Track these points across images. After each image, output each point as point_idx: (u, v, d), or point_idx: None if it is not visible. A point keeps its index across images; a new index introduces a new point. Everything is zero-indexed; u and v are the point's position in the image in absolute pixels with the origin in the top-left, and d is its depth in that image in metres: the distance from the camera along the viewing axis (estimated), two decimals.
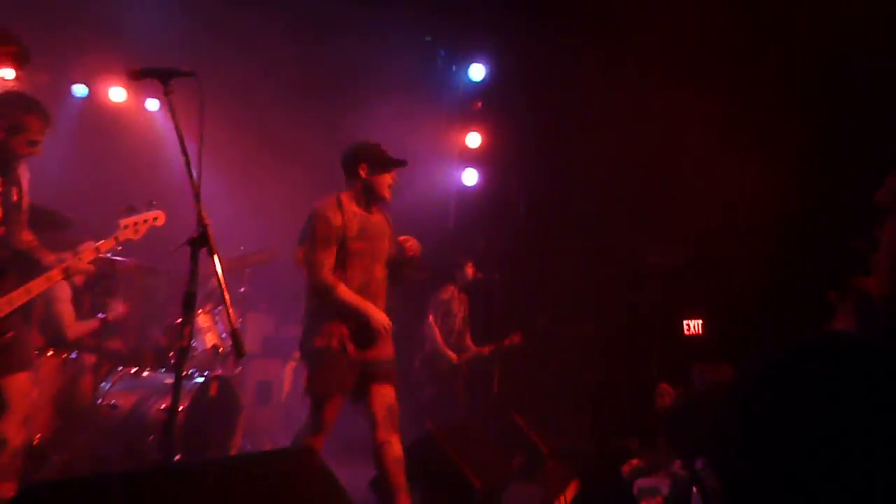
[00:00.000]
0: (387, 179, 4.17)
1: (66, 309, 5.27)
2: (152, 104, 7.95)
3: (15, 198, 3.60)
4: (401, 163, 4.19)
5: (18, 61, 2.24)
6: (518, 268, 8.06)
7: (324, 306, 3.99)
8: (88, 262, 3.75)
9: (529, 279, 8.02)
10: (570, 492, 5.34)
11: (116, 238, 3.82)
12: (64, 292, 5.28)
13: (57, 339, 5.22)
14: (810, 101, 6.39)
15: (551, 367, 7.44)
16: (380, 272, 4.16)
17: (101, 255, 3.80)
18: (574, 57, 6.93)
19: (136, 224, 3.87)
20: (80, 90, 7.75)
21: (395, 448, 3.93)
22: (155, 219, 3.95)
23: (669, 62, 6.60)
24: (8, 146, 3.49)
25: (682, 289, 6.91)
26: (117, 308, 5.49)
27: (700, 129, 6.42)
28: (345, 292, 3.96)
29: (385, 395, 4.03)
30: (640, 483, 4.45)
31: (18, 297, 3.52)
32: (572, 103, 7.39)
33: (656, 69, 6.59)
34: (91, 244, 3.78)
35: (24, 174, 3.69)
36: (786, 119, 6.47)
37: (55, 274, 3.63)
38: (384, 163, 4.15)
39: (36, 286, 3.57)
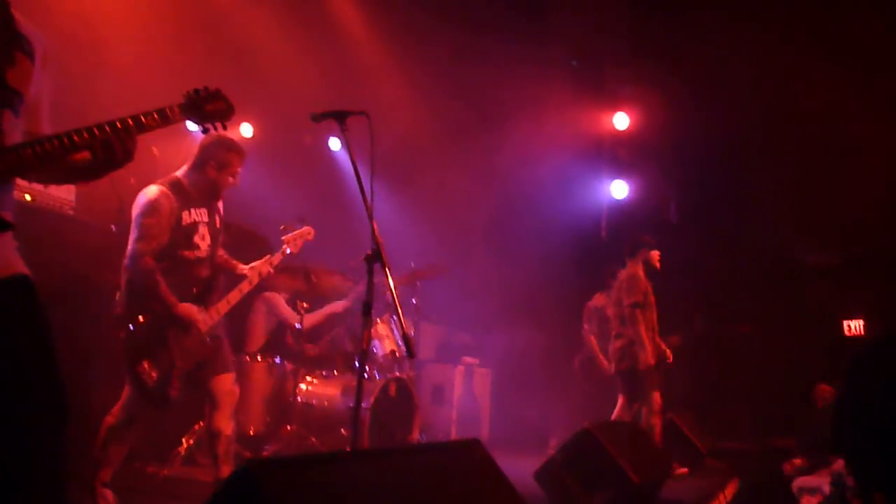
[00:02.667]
0: (656, 255, 6.03)
1: (287, 314, 5.82)
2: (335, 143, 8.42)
3: (217, 223, 3.95)
4: (655, 246, 6.01)
5: (226, 117, 2.48)
6: (674, 272, 7.78)
7: None
8: (266, 273, 4.06)
9: (686, 283, 7.71)
10: (730, 490, 5.07)
11: (283, 252, 4.17)
12: (279, 301, 5.84)
13: (278, 342, 5.69)
14: None
15: (710, 368, 7.08)
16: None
17: (274, 268, 4.10)
18: (721, 59, 6.62)
19: (294, 240, 4.22)
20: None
21: None
22: (307, 234, 4.28)
23: (825, 54, 6.13)
24: (217, 180, 3.86)
25: (843, 288, 6.34)
26: (310, 317, 5.86)
27: (859, 121, 5.91)
28: None
29: None
30: (801, 482, 4.16)
31: (222, 308, 3.85)
32: (720, 105, 7.05)
33: (810, 63, 6.12)
34: (267, 259, 4.12)
35: (221, 203, 4.04)
36: None
37: (245, 286, 3.96)
38: (650, 247, 6.00)
39: (233, 297, 3.90)
